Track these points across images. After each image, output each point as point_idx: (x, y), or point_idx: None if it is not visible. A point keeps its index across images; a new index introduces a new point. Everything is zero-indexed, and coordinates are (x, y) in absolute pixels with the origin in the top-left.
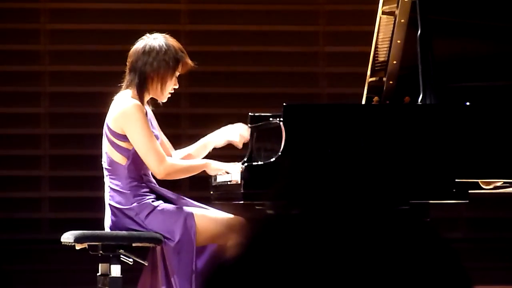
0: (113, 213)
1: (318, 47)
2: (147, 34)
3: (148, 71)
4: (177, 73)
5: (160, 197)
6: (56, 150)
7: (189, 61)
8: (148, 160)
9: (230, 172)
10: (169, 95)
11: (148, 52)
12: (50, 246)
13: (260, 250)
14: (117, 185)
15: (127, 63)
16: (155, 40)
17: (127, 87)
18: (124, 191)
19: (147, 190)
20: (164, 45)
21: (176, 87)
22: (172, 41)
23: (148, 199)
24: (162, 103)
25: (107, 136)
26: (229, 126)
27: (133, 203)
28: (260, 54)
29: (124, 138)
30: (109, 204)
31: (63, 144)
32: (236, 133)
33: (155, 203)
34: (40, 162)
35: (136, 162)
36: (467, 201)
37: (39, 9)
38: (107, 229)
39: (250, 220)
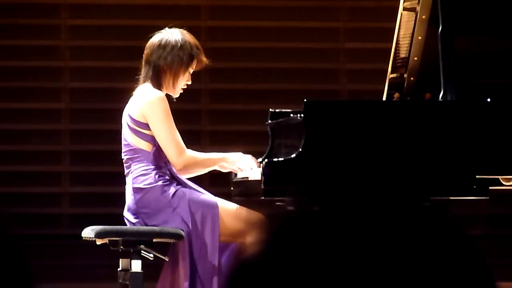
0: (135, 193)
1: (339, 43)
2: (166, 28)
3: (161, 64)
4: (191, 70)
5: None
6: (76, 145)
7: (204, 59)
8: (168, 150)
9: (248, 167)
10: (181, 91)
11: (163, 46)
12: (70, 241)
13: (282, 247)
14: (142, 168)
15: (143, 56)
16: (172, 34)
17: (144, 81)
18: (149, 172)
19: (170, 175)
20: (180, 40)
21: (189, 83)
22: (189, 37)
23: (172, 181)
24: (177, 99)
25: (129, 127)
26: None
27: (158, 181)
28: (280, 50)
29: (148, 126)
30: (133, 188)
31: (84, 140)
32: (247, 165)
33: (178, 186)
34: (61, 157)
35: (160, 149)
36: (488, 197)
37: (60, 4)
38: (126, 212)
39: (271, 217)
